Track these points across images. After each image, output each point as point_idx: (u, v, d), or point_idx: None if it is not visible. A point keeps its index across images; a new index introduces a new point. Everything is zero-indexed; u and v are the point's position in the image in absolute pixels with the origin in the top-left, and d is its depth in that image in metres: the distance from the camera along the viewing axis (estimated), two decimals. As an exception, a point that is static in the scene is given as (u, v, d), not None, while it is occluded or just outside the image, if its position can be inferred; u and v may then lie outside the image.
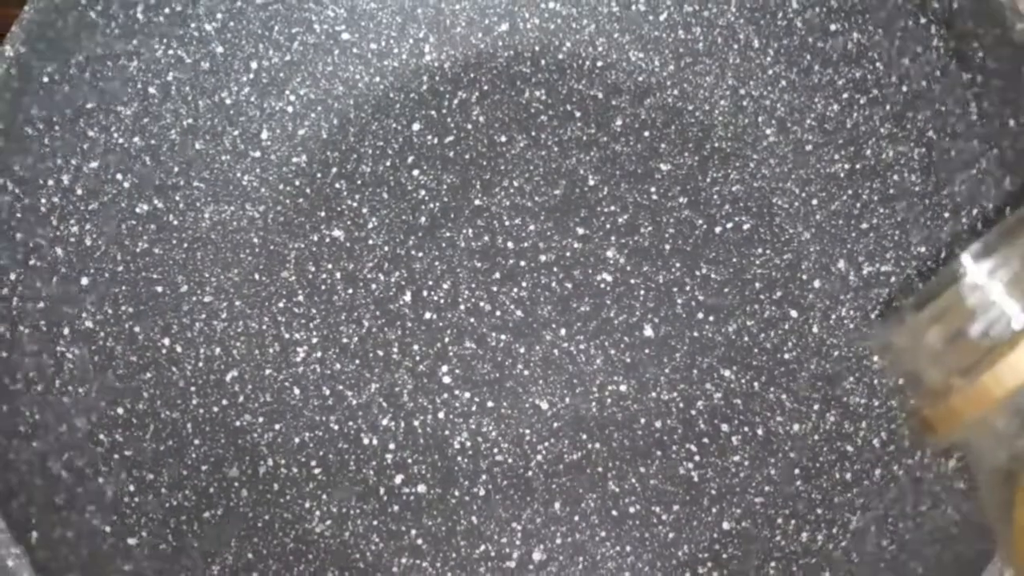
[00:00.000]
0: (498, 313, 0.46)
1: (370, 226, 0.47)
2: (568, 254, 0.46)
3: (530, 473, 0.44)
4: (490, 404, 0.45)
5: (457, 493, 0.43)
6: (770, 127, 0.48)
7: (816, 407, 0.44)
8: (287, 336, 0.46)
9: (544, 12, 0.50)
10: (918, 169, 0.44)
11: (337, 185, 0.48)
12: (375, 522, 0.43)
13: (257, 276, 0.46)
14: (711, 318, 0.45)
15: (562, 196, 0.47)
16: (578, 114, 0.49)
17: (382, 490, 0.44)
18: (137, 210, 0.44)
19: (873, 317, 0.44)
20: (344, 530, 0.43)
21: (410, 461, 0.44)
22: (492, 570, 0.43)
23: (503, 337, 0.45)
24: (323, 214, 0.47)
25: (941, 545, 0.39)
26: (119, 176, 0.44)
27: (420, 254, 0.47)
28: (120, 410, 0.42)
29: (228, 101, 0.47)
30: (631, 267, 0.46)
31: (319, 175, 0.48)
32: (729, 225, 0.47)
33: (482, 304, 0.46)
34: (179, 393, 0.44)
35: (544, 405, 0.44)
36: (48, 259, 0.41)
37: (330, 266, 0.46)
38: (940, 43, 0.42)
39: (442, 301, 0.46)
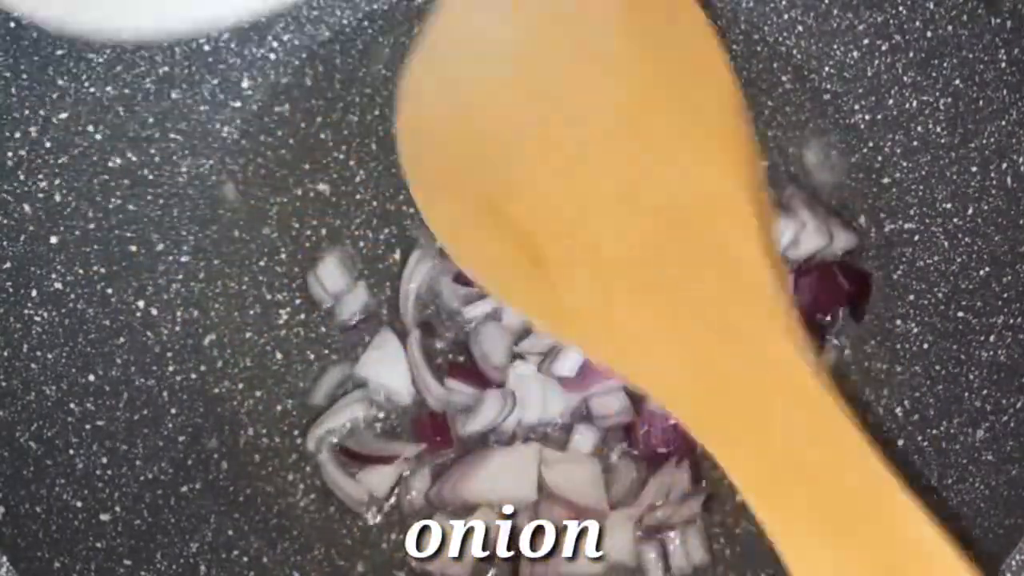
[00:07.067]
0: (495, 273, 0.45)
1: (357, 179, 0.46)
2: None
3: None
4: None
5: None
6: (786, 74, 0.46)
7: (835, 373, 0.43)
8: (268, 297, 0.45)
9: (544, -49, 0.49)
10: (944, 120, 0.43)
11: (322, 136, 0.46)
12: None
13: (237, 233, 0.45)
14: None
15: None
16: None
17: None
18: (109, 164, 0.44)
19: None
20: (330, 504, 0.43)
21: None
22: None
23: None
24: (307, 167, 0.46)
25: (968, 520, 0.38)
26: (90, 128, 0.43)
27: (411, 210, 0.45)
28: (92, 377, 0.42)
29: (206, 48, 0.45)
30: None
31: (303, 125, 0.46)
32: (742, 178, 0.45)
33: (478, 263, 0.45)
34: (154, 359, 0.44)
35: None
36: (15, 216, 0.41)
37: (315, 222, 0.45)
38: (968, -16, 0.41)
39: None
